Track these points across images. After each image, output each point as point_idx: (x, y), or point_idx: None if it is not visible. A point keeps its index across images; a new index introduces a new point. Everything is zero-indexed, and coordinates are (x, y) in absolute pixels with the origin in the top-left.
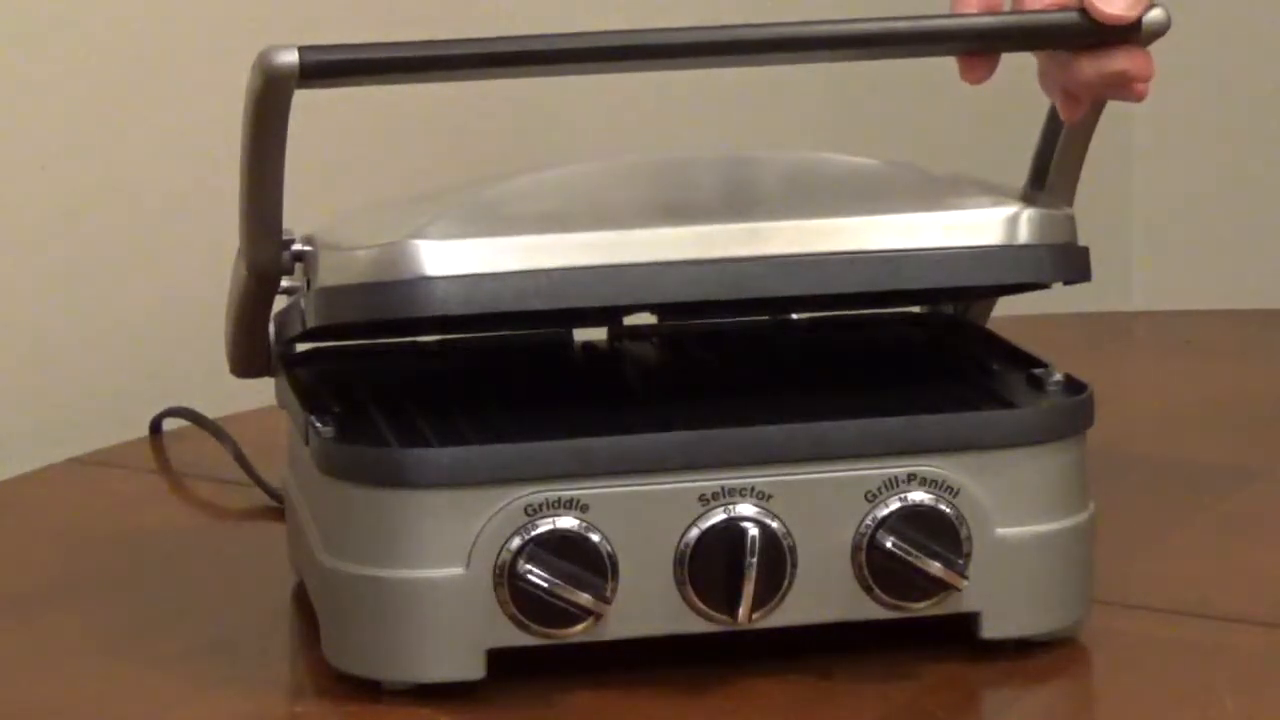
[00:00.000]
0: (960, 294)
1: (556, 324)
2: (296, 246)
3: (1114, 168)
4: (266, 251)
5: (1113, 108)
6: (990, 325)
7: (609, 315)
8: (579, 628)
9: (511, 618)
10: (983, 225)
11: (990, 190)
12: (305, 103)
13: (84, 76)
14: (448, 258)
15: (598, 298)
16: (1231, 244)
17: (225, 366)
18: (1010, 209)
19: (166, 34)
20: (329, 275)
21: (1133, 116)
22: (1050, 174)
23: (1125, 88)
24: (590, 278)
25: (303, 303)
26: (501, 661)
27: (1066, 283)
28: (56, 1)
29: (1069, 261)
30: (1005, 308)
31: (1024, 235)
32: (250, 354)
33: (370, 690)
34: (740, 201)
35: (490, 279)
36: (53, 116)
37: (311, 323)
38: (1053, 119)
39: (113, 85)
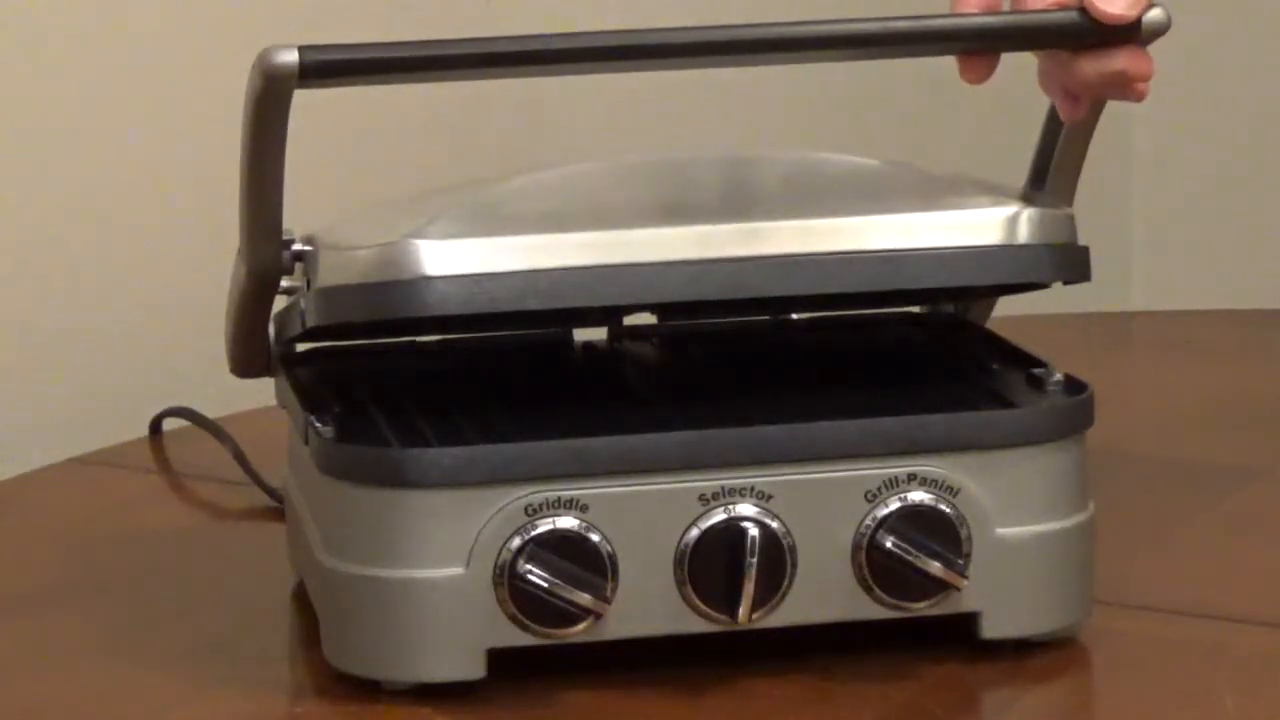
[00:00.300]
0: (960, 294)
1: (556, 324)
2: (296, 246)
3: (1114, 168)
4: (266, 251)
5: (1113, 107)
6: (990, 325)
7: (609, 315)
8: (579, 628)
9: (511, 618)
10: (983, 225)
11: (990, 190)
12: (305, 103)
13: (84, 76)
14: (447, 258)
15: (598, 298)
16: (1231, 244)
17: (225, 366)
18: (1010, 209)
19: (167, 34)
20: (329, 275)
21: (1133, 116)
22: (1050, 174)
23: (1125, 88)
24: (590, 278)
25: (303, 303)
26: (501, 661)
27: (1066, 283)
28: (57, 1)
29: (1069, 261)
30: (1005, 308)
31: (1024, 235)
32: (250, 354)
33: (370, 690)
34: (740, 201)
35: (490, 279)
36: (53, 116)
37: (311, 323)
38: (1053, 119)
39: (113, 85)
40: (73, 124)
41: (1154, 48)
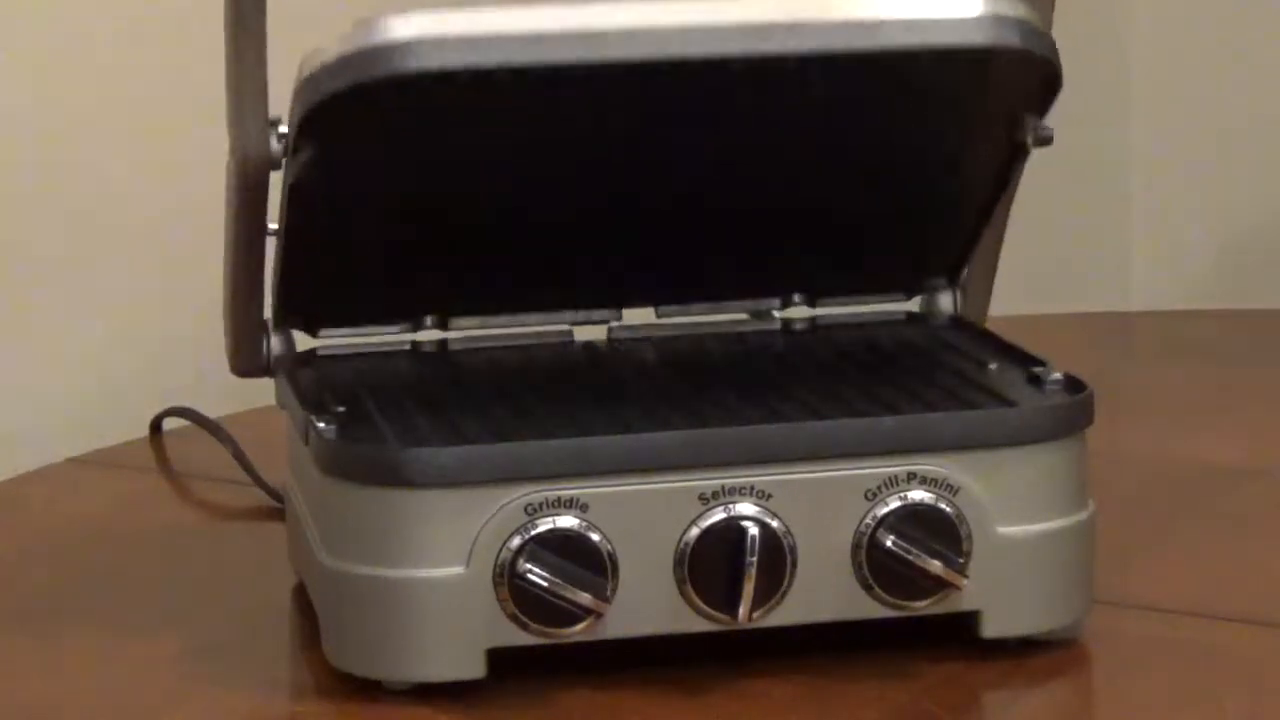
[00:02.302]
0: (939, 64)
1: (552, 220)
2: (283, 129)
3: (1114, 168)
4: (253, 135)
5: (1113, 107)
6: (990, 325)
7: (607, 237)
8: (579, 627)
9: (511, 617)
10: None
11: None
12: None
13: (83, 75)
14: (428, 23)
15: (580, 51)
16: (1231, 244)
17: (225, 366)
18: None
19: (167, 33)
20: (310, 68)
21: (1133, 116)
22: None
23: None
24: (572, 36)
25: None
26: (501, 661)
27: (1035, 57)
28: (57, 1)
29: (1036, 37)
30: (1005, 307)
31: (997, 6)
32: (249, 337)
33: (370, 690)
34: None
35: (469, 40)
36: (52, 116)
37: (298, 116)
38: None
39: (112, 84)
40: (72, 123)
41: (1154, 47)
